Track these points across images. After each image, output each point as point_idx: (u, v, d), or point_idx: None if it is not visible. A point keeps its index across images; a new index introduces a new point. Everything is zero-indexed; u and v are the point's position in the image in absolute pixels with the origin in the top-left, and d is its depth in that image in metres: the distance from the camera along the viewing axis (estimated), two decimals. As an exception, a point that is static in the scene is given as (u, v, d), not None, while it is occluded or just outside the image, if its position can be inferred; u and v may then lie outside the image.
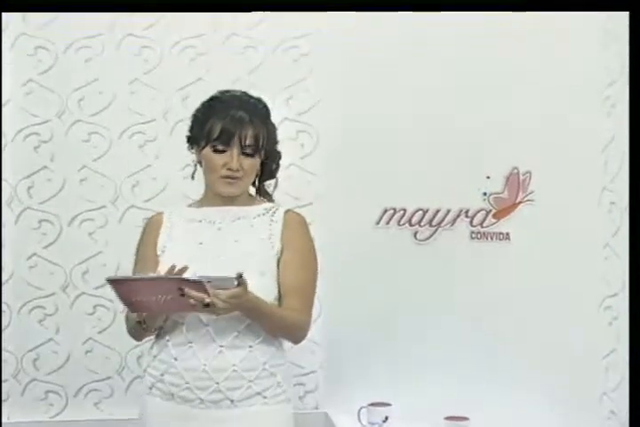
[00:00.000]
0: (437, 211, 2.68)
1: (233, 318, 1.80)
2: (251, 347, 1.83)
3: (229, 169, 1.86)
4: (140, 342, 2.70)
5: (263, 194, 2.00)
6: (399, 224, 2.71)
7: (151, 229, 1.99)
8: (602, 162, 2.51)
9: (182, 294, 1.67)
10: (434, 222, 2.68)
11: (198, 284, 1.67)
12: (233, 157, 1.85)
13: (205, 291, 1.67)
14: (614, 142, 2.50)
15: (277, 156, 1.97)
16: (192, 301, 1.67)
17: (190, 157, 2.71)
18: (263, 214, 1.92)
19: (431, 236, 2.69)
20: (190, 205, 2.01)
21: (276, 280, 1.86)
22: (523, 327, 2.58)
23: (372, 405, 2.62)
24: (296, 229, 1.91)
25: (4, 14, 2.69)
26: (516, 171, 2.61)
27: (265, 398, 1.83)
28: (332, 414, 2.76)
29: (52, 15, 2.73)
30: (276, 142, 1.95)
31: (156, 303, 1.71)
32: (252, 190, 2.03)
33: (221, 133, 1.85)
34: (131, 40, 2.79)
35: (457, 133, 2.65)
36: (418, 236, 2.70)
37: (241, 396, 1.81)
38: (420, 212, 2.69)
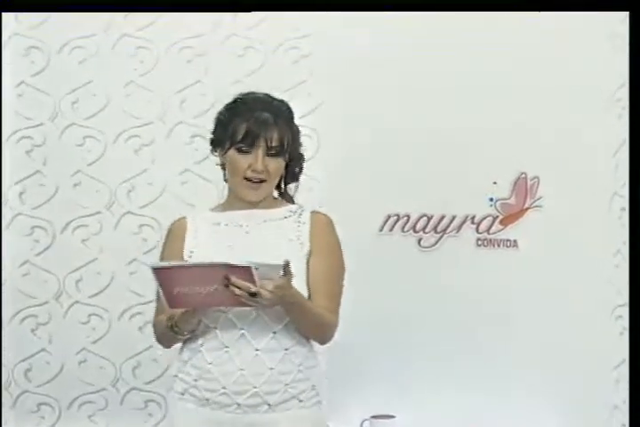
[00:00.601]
0: (442, 217, 2.67)
1: (268, 320, 1.82)
2: (286, 350, 1.83)
3: (254, 171, 1.86)
4: (133, 354, 2.75)
5: (287, 197, 1.98)
6: (403, 231, 2.70)
7: (176, 235, 1.96)
8: (612, 166, 2.51)
9: (227, 285, 1.67)
10: (438, 229, 2.68)
11: (246, 270, 1.65)
12: (258, 158, 1.85)
13: (252, 280, 1.67)
14: (625, 146, 2.49)
15: (301, 158, 1.96)
16: (237, 291, 1.67)
17: (187, 161, 2.75)
18: (289, 216, 1.92)
19: (436, 243, 2.68)
20: (212, 210, 1.98)
21: (306, 281, 1.86)
22: (530, 337, 2.58)
23: (375, 417, 2.59)
24: (323, 229, 1.91)
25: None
26: (523, 176, 2.62)
27: (301, 401, 1.84)
28: None
29: (46, 15, 2.70)
30: (299, 145, 1.94)
31: (199, 296, 1.69)
32: (275, 193, 2.01)
33: (246, 135, 1.85)
34: (126, 41, 2.75)
35: (462, 137, 2.63)
36: (422, 243, 2.69)
37: (278, 400, 1.82)
38: (425, 218, 2.68)
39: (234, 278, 1.66)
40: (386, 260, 2.67)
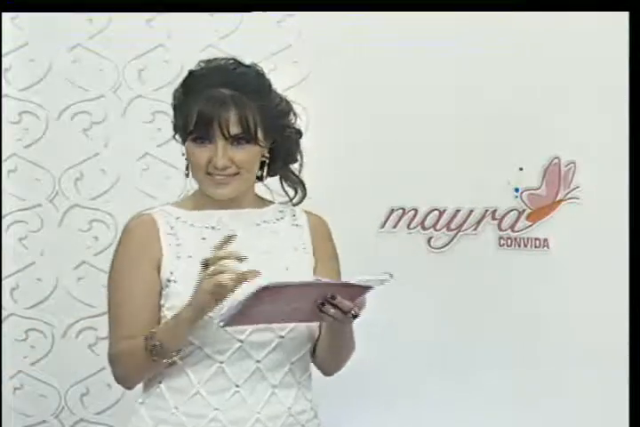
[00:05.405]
0: (457, 211, 2.64)
1: (290, 348, 1.77)
2: (299, 384, 1.80)
3: (215, 167, 1.74)
4: (82, 377, 2.74)
5: (293, 182, 1.88)
6: (409, 228, 2.66)
7: (143, 238, 1.78)
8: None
9: (323, 303, 1.65)
10: (452, 226, 2.65)
11: (360, 290, 1.67)
12: (218, 150, 1.73)
13: (355, 300, 1.67)
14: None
15: (289, 133, 1.83)
16: (332, 311, 1.65)
17: (147, 143, 2.74)
18: (282, 218, 1.86)
19: (449, 242, 2.65)
20: (179, 206, 1.84)
21: None
22: (564, 354, 2.57)
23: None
24: (327, 238, 1.89)
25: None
26: (556, 161, 2.60)
27: None
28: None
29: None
30: (280, 117, 1.81)
31: (273, 313, 1.67)
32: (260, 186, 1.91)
33: (199, 121, 1.74)
34: (72, -6, 2.61)
35: (481, 114, 2.59)
36: (432, 242, 2.66)
37: None
38: (436, 212, 2.65)
39: (340, 299, 1.64)
40: (388, 263, 2.57)
